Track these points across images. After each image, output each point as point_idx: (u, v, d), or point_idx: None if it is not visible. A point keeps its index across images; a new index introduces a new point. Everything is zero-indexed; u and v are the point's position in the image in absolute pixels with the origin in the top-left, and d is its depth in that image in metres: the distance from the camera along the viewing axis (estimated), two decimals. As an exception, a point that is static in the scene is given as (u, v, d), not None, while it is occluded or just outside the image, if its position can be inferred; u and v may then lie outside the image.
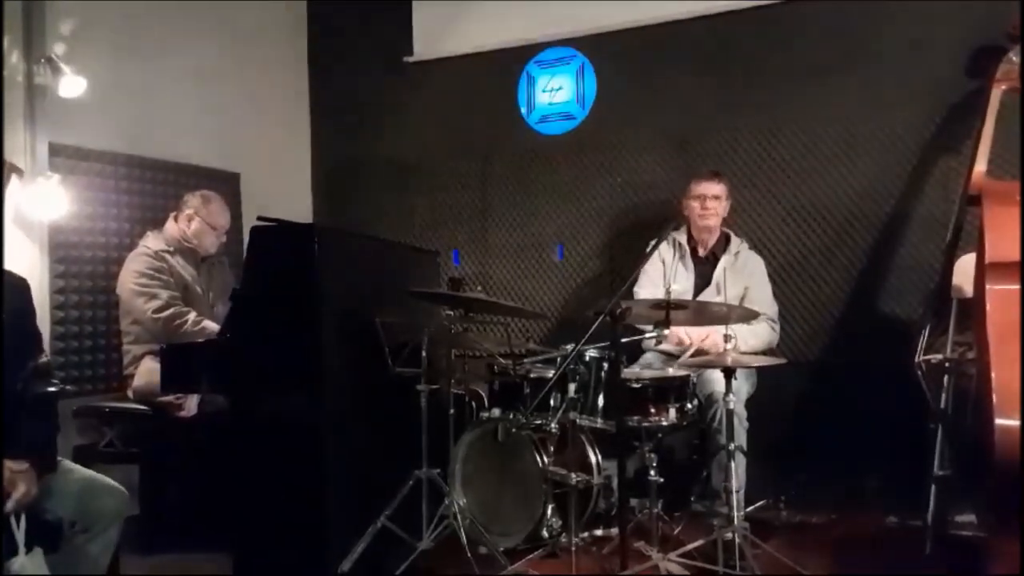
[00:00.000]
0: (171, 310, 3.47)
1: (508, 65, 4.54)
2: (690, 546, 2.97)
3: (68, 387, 3.40)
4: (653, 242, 3.27)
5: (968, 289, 2.90)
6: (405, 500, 3.08)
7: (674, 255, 3.72)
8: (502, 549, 3.05)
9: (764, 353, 3.48)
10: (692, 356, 3.36)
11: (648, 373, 3.32)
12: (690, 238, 3.74)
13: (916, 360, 3.01)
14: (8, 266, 2.34)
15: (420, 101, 4.76)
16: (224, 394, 3.20)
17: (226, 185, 4.34)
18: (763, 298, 3.59)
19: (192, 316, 3.50)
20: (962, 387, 2.94)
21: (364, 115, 4.95)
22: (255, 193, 4.51)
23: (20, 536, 2.13)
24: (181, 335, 3.44)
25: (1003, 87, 3.16)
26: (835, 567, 3.09)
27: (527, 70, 4.52)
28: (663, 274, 3.65)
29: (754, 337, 3.47)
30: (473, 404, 3.64)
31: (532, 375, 3.28)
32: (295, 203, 4.87)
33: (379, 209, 4.84)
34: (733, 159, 4.02)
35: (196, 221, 3.64)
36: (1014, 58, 3.17)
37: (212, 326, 3.45)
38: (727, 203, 3.66)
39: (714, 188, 3.61)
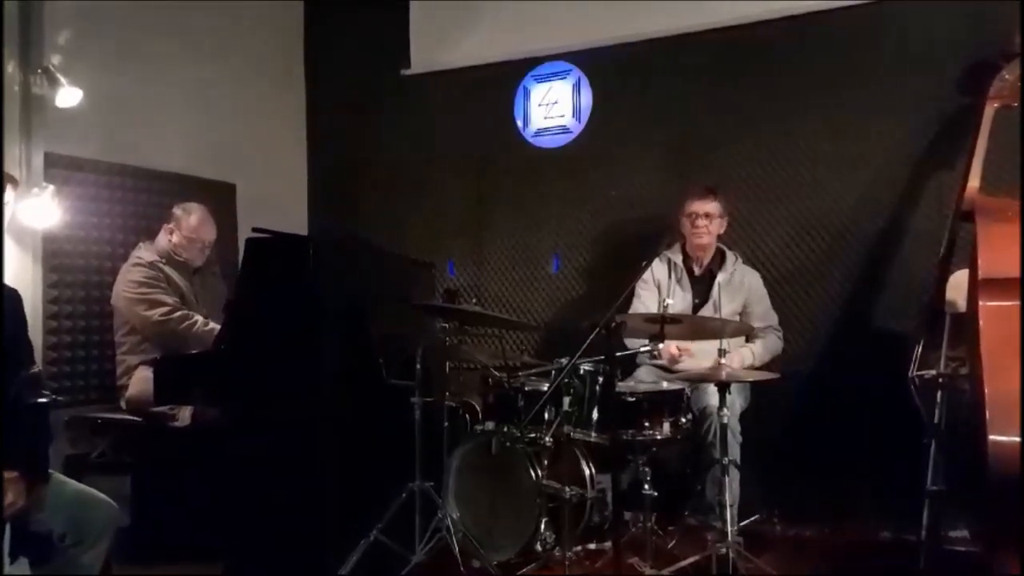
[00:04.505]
0: (179, 313, 3.48)
1: (505, 78, 4.55)
2: (684, 561, 2.97)
3: (60, 397, 3.38)
4: (644, 263, 3.29)
5: (962, 304, 2.90)
6: (399, 512, 3.07)
7: (669, 275, 3.72)
8: (495, 562, 3.04)
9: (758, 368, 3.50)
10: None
11: (642, 387, 3.32)
12: (685, 256, 3.74)
13: (910, 375, 3.02)
14: (1, 276, 2.34)
15: (417, 113, 4.77)
16: (218, 405, 3.19)
17: (222, 196, 4.33)
18: (764, 312, 3.62)
19: (200, 319, 3.50)
20: (955, 402, 2.94)
21: (361, 127, 4.95)
22: (251, 204, 4.51)
23: (6, 546, 2.11)
24: (191, 337, 3.44)
25: (996, 104, 3.17)
26: (829, 582, 3.10)
27: (524, 83, 4.53)
28: (658, 296, 3.63)
29: (766, 350, 3.51)
30: (467, 417, 3.64)
31: (526, 388, 3.28)
32: (291, 214, 4.86)
33: (375, 220, 4.84)
34: (729, 174, 4.02)
35: (177, 234, 3.64)
36: (1007, 76, 3.19)
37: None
38: (722, 221, 3.66)
39: (707, 206, 3.60)
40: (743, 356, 3.46)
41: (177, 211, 3.67)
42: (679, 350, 3.50)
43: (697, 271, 3.71)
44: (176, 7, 4.17)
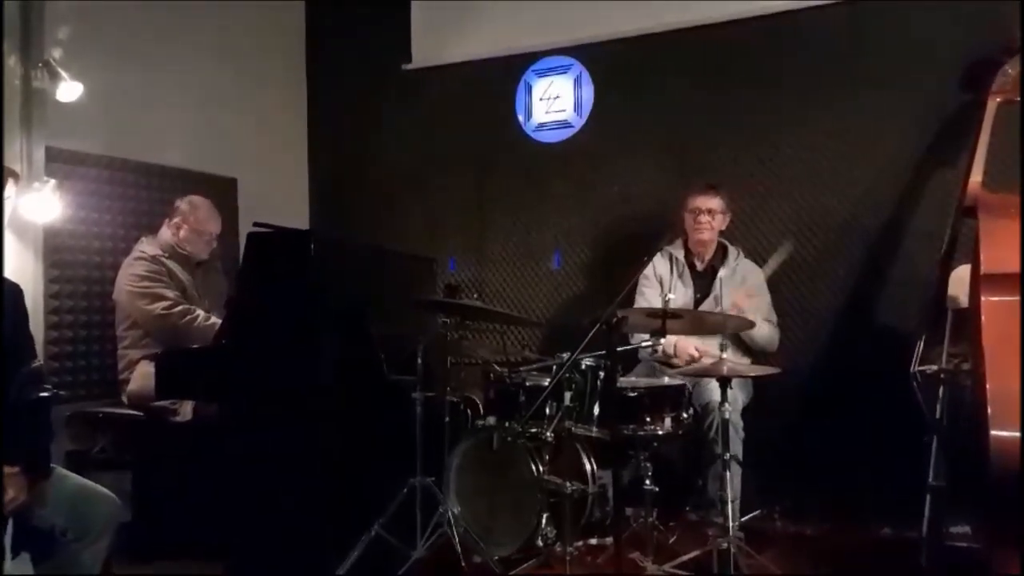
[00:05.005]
0: (180, 307, 3.47)
1: (506, 73, 4.54)
2: (685, 556, 2.98)
3: (61, 392, 3.38)
4: (645, 258, 3.29)
5: (963, 300, 2.90)
6: (400, 508, 3.07)
7: (671, 270, 3.72)
8: (496, 558, 3.04)
9: (759, 361, 3.50)
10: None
11: (644, 382, 3.32)
12: (687, 252, 3.75)
13: (911, 371, 3.01)
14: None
15: (418, 108, 4.77)
16: (219, 400, 3.19)
17: (223, 191, 4.33)
18: (763, 307, 3.61)
19: (202, 313, 3.50)
20: (957, 398, 2.94)
21: (362, 122, 4.95)
22: (252, 199, 4.50)
23: (8, 541, 2.12)
24: (192, 331, 3.44)
25: (999, 99, 3.17)
26: (830, 578, 3.10)
27: (525, 78, 4.52)
28: (660, 291, 3.63)
29: (759, 336, 3.49)
30: (468, 412, 3.64)
31: (528, 383, 3.28)
32: (292, 209, 4.86)
33: (376, 216, 4.83)
34: (730, 170, 4.01)
35: (184, 228, 3.64)
36: (1010, 70, 3.19)
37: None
38: (724, 216, 3.66)
39: (709, 202, 3.61)
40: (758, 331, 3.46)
41: (184, 205, 3.66)
42: (698, 351, 3.50)
43: (699, 266, 3.72)
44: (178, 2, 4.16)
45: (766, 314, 3.61)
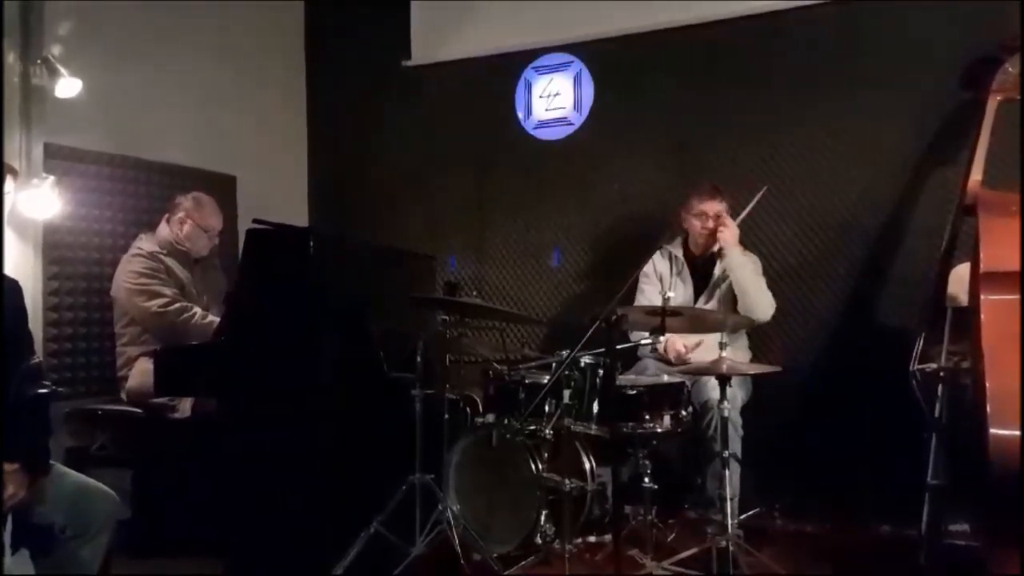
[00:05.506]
0: (178, 304, 3.47)
1: (506, 70, 4.54)
2: (684, 553, 2.97)
3: (60, 389, 3.38)
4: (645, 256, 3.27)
5: (963, 298, 2.90)
6: (399, 505, 3.07)
7: (671, 269, 3.73)
8: (495, 555, 3.04)
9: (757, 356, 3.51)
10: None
11: (643, 380, 3.32)
12: (686, 250, 3.75)
13: (911, 369, 3.01)
14: (2, 267, 2.33)
15: (418, 105, 4.76)
16: (218, 397, 3.19)
17: (222, 188, 4.32)
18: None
19: (199, 311, 3.50)
20: (956, 396, 2.94)
21: (361, 119, 4.95)
22: (251, 197, 4.50)
23: (7, 538, 2.12)
24: (190, 329, 3.44)
25: (999, 98, 3.17)
26: (829, 576, 3.10)
27: (525, 75, 4.52)
28: (660, 289, 3.63)
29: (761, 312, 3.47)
30: (468, 410, 3.64)
31: (527, 381, 3.28)
32: (291, 207, 4.86)
33: (375, 213, 4.83)
34: (730, 168, 4.01)
35: (188, 224, 3.63)
36: (1010, 68, 3.19)
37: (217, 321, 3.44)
38: (727, 217, 3.67)
39: (716, 206, 3.60)
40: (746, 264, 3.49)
41: (188, 201, 3.65)
42: (686, 348, 3.50)
43: (699, 263, 3.71)
44: (177, -2, 4.16)
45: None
